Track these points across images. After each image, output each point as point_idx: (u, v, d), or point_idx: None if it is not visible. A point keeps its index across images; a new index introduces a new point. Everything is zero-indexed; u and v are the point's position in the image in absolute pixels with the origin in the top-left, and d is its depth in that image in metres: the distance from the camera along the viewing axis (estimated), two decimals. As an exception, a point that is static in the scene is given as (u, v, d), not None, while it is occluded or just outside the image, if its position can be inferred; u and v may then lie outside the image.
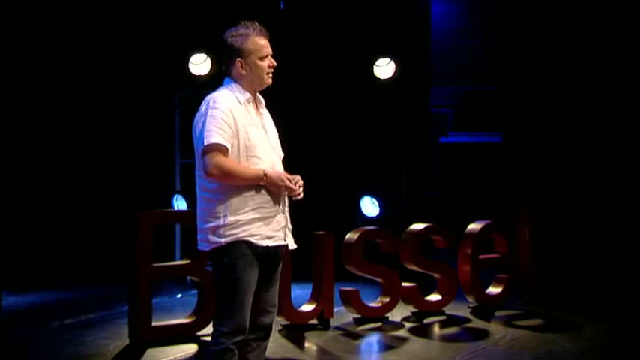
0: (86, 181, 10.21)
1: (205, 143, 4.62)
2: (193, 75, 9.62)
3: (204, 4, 9.97)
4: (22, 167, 9.93)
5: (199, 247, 4.79)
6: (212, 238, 4.70)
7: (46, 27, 10.04)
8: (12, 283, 9.01)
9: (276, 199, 4.76)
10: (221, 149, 4.62)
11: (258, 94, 4.89)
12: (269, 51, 4.83)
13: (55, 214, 10.06)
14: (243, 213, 4.68)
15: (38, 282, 9.49)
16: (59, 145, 10.14)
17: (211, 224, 4.70)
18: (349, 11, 10.16)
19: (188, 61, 9.60)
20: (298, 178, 4.78)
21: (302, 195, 4.78)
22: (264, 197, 4.72)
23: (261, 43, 4.80)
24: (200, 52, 9.57)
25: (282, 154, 4.95)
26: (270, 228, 4.75)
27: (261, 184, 4.69)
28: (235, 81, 4.82)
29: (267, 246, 4.73)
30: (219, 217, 4.68)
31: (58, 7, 10.08)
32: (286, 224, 4.84)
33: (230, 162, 4.65)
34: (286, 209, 4.85)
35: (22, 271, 9.58)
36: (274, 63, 4.84)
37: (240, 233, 4.68)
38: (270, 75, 4.85)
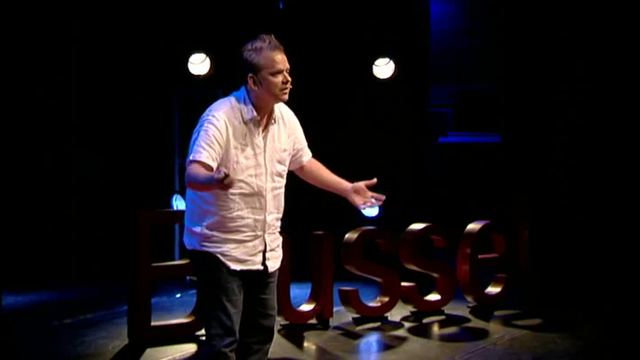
0: (85, 181, 10.20)
1: (191, 157, 4.46)
2: (192, 75, 9.62)
3: (203, 4, 9.97)
4: (21, 167, 9.93)
5: (183, 240, 4.74)
6: (190, 240, 4.66)
7: (45, 26, 10.03)
8: (11, 283, 9.00)
9: (256, 224, 4.61)
10: (204, 165, 4.42)
11: (276, 107, 4.66)
12: (283, 66, 4.55)
13: (55, 213, 10.05)
14: (219, 231, 4.57)
15: (37, 282, 9.49)
16: (58, 144, 10.13)
17: (192, 227, 4.65)
18: (348, 11, 10.15)
19: (187, 61, 9.60)
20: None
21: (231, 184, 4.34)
22: (242, 221, 4.58)
23: (273, 58, 4.53)
24: (199, 52, 9.57)
25: (281, 170, 4.71)
26: (244, 251, 4.61)
27: (221, 189, 4.32)
28: (249, 96, 4.60)
29: (234, 269, 4.60)
30: (198, 225, 4.61)
31: (57, 7, 10.07)
32: (265, 248, 4.66)
33: (195, 169, 4.40)
34: (268, 233, 4.66)
35: (21, 270, 9.57)
36: (289, 79, 4.57)
37: (212, 248, 4.58)
38: (286, 91, 4.57)
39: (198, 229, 4.61)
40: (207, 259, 4.61)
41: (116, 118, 10.27)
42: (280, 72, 4.55)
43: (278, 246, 4.77)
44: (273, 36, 4.60)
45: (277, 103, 4.65)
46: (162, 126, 10.13)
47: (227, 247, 4.58)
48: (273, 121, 4.67)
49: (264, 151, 4.62)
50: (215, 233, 4.58)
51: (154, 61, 10.04)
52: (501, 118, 10.96)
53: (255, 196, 4.61)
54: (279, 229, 4.78)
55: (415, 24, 10.41)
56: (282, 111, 4.76)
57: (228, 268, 4.59)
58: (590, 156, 9.67)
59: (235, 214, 4.57)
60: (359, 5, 10.17)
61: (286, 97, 4.61)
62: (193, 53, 9.58)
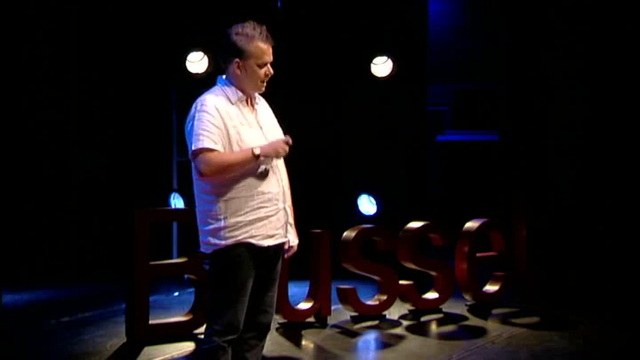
0: (84, 180, 10.20)
1: (193, 148, 4.59)
2: (190, 73, 9.62)
3: (201, 2, 9.96)
4: (20, 165, 9.93)
5: (202, 250, 4.76)
6: (212, 240, 4.67)
7: (44, 26, 10.03)
8: (10, 281, 9.00)
9: (277, 197, 4.72)
10: (209, 152, 4.57)
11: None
12: (269, 59, 4.72)
13: (53, 212, 10.05)
14: (243, 214, 4.64)
15: (35, 280, 9.49)
16: (57, 143, 10.13)
17: (211, 226, 4.67)
18: (346, 9, 10.15)
19: (185, 60, 9.60)
20: (288, 138, 4.76)
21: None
22: (263, 197, 4.68)
23: (263, 49, 4.68)
24: (197, 50, 9.57)
25: None
26: (271, 226, 4.71)
27: (260, 161, 4.60)
28: (229, 80, 4.75)
29: (268, 246, 4.72)
30: (219, 219, 4.64)
31: (57, 6, 10.07)
32: (287, 220, 4.80)
33: (218, 155, 4.57)
34: (287, 204, 4.81)
35: (19, 269, 9.57)
36: (271, 72, 4.74)
37: (241, 235, 4.64)
38: (264, 83, 4.75)
39: (221, 224, 4.64)
40: (232, 255, 4.65)
41: (115, 117, 10.27)
42: (266, 64, 4.72)
43: (293, 224, 4.89)
44: (265, 27, 4.73)
45: (254, 92, 4.79)
46: (160, 125, 10.13)
47: (255, 228, 4.66)
48: (257, 101, 4.83)
49: (261, 127, 4.77)
50: (240, 219, 4.64)
51: (152, 60, 10.04)
52: (500, 117, 10.95)
53: (269, 169, 4.72)
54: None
55: (413, 22, 10.41)
56: (260, 96, 4.91)
57: (258, 247, 4.65)
58: (588, 154, 9.66)
59: (255, 190, 4.67)
60: (357, 4, 10.16)
61: (264, 89, 4.78)
62: (191, 51, 9.58)
